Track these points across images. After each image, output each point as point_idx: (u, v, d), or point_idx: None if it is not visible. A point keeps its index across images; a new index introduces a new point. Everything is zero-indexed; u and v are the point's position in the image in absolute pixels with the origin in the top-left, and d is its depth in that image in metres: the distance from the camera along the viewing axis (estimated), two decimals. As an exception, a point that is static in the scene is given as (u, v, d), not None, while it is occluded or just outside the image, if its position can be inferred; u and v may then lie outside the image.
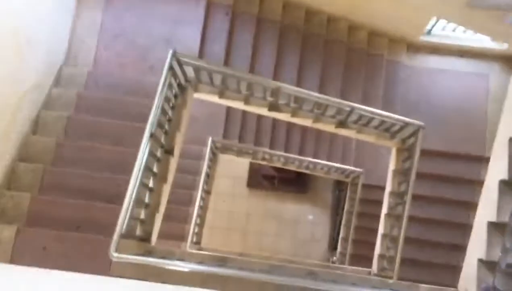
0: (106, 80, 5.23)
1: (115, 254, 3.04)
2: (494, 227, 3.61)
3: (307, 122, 5.07)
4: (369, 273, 5.73)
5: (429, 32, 6.78)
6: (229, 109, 7.11)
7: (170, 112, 4.09)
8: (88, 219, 3.89)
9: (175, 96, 4.20)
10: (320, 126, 5.18)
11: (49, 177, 4.21)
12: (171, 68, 3.81)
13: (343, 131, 5.17)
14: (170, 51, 3.77)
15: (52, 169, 4.30)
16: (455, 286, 4.08)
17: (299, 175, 9.08)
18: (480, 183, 4.14)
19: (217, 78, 4.36)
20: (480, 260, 3.67)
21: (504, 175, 3.53)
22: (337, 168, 7.42)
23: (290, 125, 7.20)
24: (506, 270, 3.43)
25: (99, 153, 4.43)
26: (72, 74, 5.24)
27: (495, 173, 3.75)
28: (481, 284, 3.57)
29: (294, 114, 4.88)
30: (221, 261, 3.95)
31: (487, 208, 3.76)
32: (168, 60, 3.76)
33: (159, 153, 3.92)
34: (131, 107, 4.88)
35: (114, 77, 5.33)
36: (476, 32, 6.09)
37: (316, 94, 4.64)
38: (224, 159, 7.91)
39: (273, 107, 4.78)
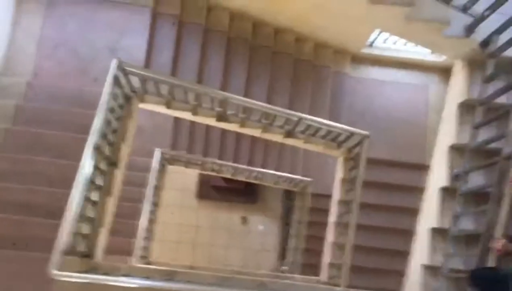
0: (47, 91, 5.02)
1: (56, 272, 2.89)
2: (437, 233, 3.74)
3: (256, 132, 5.08)
4: (318, 281, 5.77)
5: (371, 44, 6.98)
6: (177, 120, 7.00)
7: (115, 123, 3.97)
8: (25, 235, 3.70)
9: (120, 106, 4.08)
10: (268, 136, 5.21)
11: (-17, 192, 3.98)
12: (115, 78, 3.71)
13: (291, 141, 5.22)
14: (114, 61, 3.67)
15: (-15, 185, 4.07)
16: (401, 292, 4.19)
17: (248, 185, 9.07)
18: (422, 190, 4.29)
19: (164, 89, 4.29)
20: (423, 266, 3.78)
21: (445, 182, 3.67)
22: (286, 178, 7.47)
23: (239, 136, 7.19)
24: (448, 275, 3.55)
25: (38, 166, 4.23)
26: (10, 85, 5.00)
27: (435, 181, 3.89)
28: (426, 289, 3.67)
29: (242, 124, 4.88)
30: (169, 275, 3.86)
31: (429, 215, 3.89)
32: (112, 70, 3.66)
33: (103, 165, 3.79)
34: (73, 118, 4.70)
35: (56, 88, 5.11)
36: (416, 45, 6.35)
37: (264, 104, 4.66)
38: (173, 170, 7.78)
39: (221, 117, 4.75)
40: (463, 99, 3.63)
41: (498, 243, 2.95)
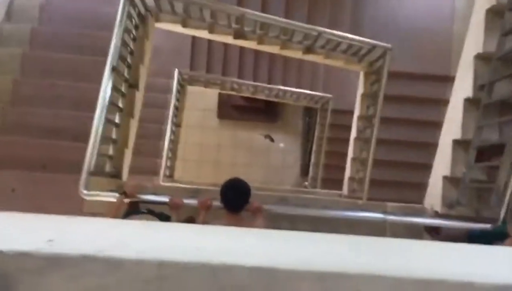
0: (60, 13, 4.93)
1: (85, 192, 3.01)
2: (459, 145, 3.72)
3: (274, 49, 4.97)
4: (340, 195, 5.90)
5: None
6: (194, 40, 6.90)
7: (131, 44, 3.93)
8: (54, 158, 3.81)
9: (136, 27, 4.01)
10: (287, 53, 5.10)
11: (10, 117, 4.06)
12: (128, -3, 3.61)
13: (310, 57, 5.11)
14: (126, -22, 3.55)
15: (11, 109, 4.14)
16: (421, 203, 4.26)
17: (268, 103, 9.06)
18: (446, 102, 4.21)
19: (178, 6, 4.17)
20: (445, 177, 3.80)
21: (469, 93, 3.59)
22: (306, 95, 7.42)
23: (257, 54, 7.07)
24: (469, 185, 3.58)
25: (60, 90, 4.26)
26: (24, 8, 4.91)
27: (460, 92, 3.80)
28: (447, 200, 3.72)
29: (260, 41, 4.77)
30: (194, 193, 3.98)
31: (452, 127, 3.85)
32: (125, -12, 3.55)
33: (123, 87, 3.80)
34: (90, 40, 4.65)
35: (69, 9, 5.02)
36: None
37: (282, 19, 4.52)
38: (193, 90, 7.79)
39: (238, 35, 4.65)
40: (492, 4, 3.43)
41: None
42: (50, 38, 4.64)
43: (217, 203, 3.10)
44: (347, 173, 5.78)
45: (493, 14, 3.48)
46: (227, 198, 2.70)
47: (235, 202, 2.70)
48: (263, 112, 9.60)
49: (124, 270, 0.87)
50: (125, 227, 1.20)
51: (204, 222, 2.95)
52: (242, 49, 6.92)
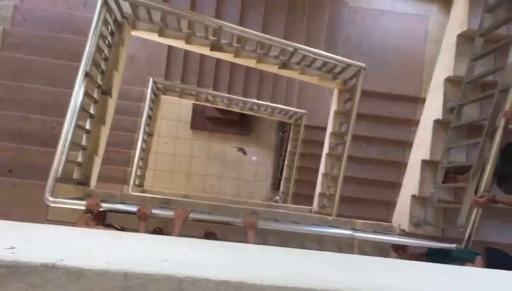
0: (35, 15, 4.83)
1: (51, 198, 2.94)
2: (427, 165, 3.80)
3: (251, 63, 5.00)
4: (310, 210, 5.93)
5: (372, -28, 6.71)
6: (170, 49, 6.87)
7: (106, 50, 3.88)
8: (21, 162, 3.70)
9: (112, 33, 3.97)
10: (263, 67, 5.13)
11: (-24, 119, 3.94)
12: (105, 2, 3.57)
13: (286, 73, 5.16)
14: (103, -16, 3.51)
15: (-21, 111, 4.02)
16: (389, 221, 4.31)
17: (243, 116, 9.08)
18: (416, 123, 4.30)
19: (156, 15, 4.15)
20: (413, 196, 3.86)
21: (439, 115, 3.67)
22: (281, 109, 7.46)
23: (233, 66, 7.09)
24: (436, 205, 3.65)
25: (30, 94, 4.16)
26: (-4, 8, 4.81)
27: (430, 113, 3.89)
28: (414, 218, 3.78)
29: (237, 54, 4.79)
30: (164, 203, 3.93)
31: (421, 147, 3.92)
32: (101, -7, 3.52)
33: (95, 94, 3.74)
34: (64, 44, 4.57)
35: (44, 11, 4.92)
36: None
37: (259, 33, 4.55)
38: (167, 100, 7.74)
39: (215, 47, 4.65)
40: (463, 30, 3.54)
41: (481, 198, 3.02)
42: (23, 40, 4.54)
43: (193, 215, 3.08)
44: (318, 188, 5.82)
45: (464, 39, 3.59)
46: None
47: None
48: (237, 125, 9.61)
49: (87, 280, 0.84)
50: (91, 235, 1.17)
51: (179, 234, 2.91)
52: (218, 61, 6.92)
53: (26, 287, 0.83)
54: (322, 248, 3.68)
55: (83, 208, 2.93)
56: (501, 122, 3.00)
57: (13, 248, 0.88)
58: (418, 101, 5.86)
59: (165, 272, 0.89)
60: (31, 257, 0.85)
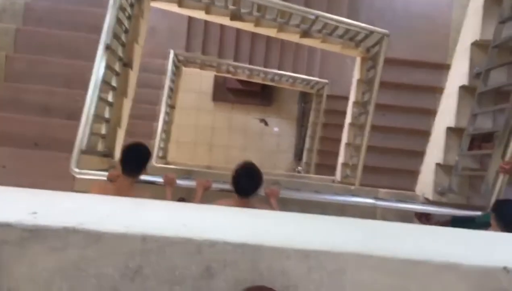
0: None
1: (77, 170, 2.99)
2: (452, 132, 3.72)
3: (271, 32, 4.93)
4: (333, 181, 5.91)
5: None
6: (191, 20, 6.83)
7: (126, 22, 3.87)
8: (46, 136, 3.77)
9: (131, 5, 3.95)
10: (284, 36, 5.06)
11: (2, 93, 4.00)
12: (124, -27, 3.55)
13: (308, 41, 5.07)
14: (121, -45, 3.48)
15: (4, 85, 4.08)
16: (413, 190, 4.27)
17: (264, 87, 9.03)
18: (441, 90, 4.20)
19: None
20: (437, 164, 3.81)
21: (465, 81, 3.57)
22: (302, 79, 7.39)
23: (254, 37, 7.02)
24: (461, 173, 3.59)
25: (53, 67, 4.20)
26: (18, -17, 4.83)
27: (455, 80, 3.79)
28: (438, 187, 3.74)
29: (257, 23, 4.73)
30: (187, 174, 3.98)
31: (446, 114, 3.84)
32: (120, -36, 3.49)
33: (117, 66, 3.76)
34: (84, 17, 4.58)
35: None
36: None
37: (279, 1, 4.47)
38: (188, 72, 7.73)
39: (235, 16, 4.60)
40: (491, -9, 3.41)
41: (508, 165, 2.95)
42: (44, 14, 4.57)
43: (216, 185, 3.11)
44: (341, 158, 5.78)
45: (491, 1, 3.45)
46: (239, 182, 2.66)
47: (247, 186, 2.67)
48: (259, 96, 9.58)
49: (106, 243, 0.86)
50: (111, 202, 1.19)
51: (201, 202, 2.94)
52: (238, 31, 6.86)
53: (47, 250, 0.85)
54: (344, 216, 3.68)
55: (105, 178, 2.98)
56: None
57: (35, 213, 0.90)
58: (444, 68, 5.70)
59: (184, 235, 0.90)
60: (52, 221, 0.87)
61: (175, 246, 0.88)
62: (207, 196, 3.03)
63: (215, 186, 3.13)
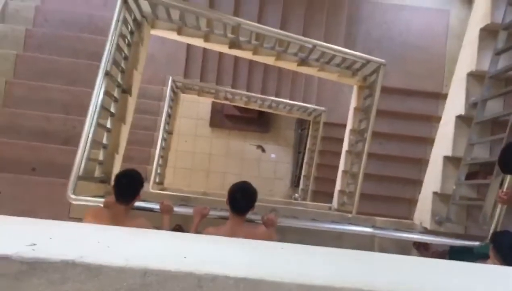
0: (56, 16, 4.90)
1: (73, 196, 2.98)
2: (450, 161, 3.74)
3: (269, 60, 4.99)
4: (330, 208, 5.89)
5: (392, -33, 6.62)
6: (189, 48, 6.90)
7: (126, 49, 3.91)
8: (43, 161, 3.76)
9: (131, 32, 4.00)
10: (282, 64, 5.12)
11: (0, 118, 4.01)
12: (125, 2, 3.60)
13: (305, 70, 5.13)
14: (123, -16, 3.54)
15: (2, 110, 4.09)
16: (411, 219, 4.26)
17: (261, 114, 9.08)
18: (438, 119, 4.23)
19: (175, 14, 4.16)
20: (435, 193, 3.81)
21: (461, 111, 3.61)
22: (300, 107, 7.43)
23: (252, 64, 7.08)
24: (459, 202, 3.59)
25: (52, 93, 4.22)
26: (18, 9, 4.88)
27: (452, 109, 3.83)
28: (436, 215, 3.73)
29: (255, 52, 4.78)
30: (184, 201, 3.95)
31: (443, 143, 3.86)
32: (120, -7, 3.54)
33: (116, 92, 3.78)
34: (84, 44, 4.63)
35: (65, 12, 4.99)
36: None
37: (278, 30, 4.53)
38: (186, 99, 7.78)
39: (234, 44, 4.66)
40: (486, 23, 3.47)
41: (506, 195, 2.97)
42: (44, 41, 4.61)
43: (213, 212, 3.10)
44: (338, 185, 5.78)
45: (486, 33, 3.52)
46: (235, 199, 2.68)
47: (242, 203, 2.68)
48: (256, 122, 9.62)
49: (106, 277, 0.84)
50: (111, 232, 1.18)
51: (197, 230, 2.92)
52: (237, 59, 6.93)
53: (46, 284, 0.84)
54: (342, 246, 3.65)
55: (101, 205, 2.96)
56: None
57: (34, 244, 0.89)
58: (440, 97, 5.77)
59: (184, 269, 0.88)
60: (51, 254, 0.86)
61: (176, 279, 0.87)
62: (204, 223, 3.01)
63: (212, 213, 3.11)
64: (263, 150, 9.87)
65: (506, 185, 3.00)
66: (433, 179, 3.93)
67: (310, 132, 8.20)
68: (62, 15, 4.94)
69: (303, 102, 7.40)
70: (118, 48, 3.61)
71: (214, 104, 9.45)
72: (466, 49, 3.80)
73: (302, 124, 9.56)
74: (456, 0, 6.26)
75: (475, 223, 3.41)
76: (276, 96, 7.28)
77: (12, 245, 0.88)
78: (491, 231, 3.03)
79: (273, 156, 9.95)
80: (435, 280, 1.08)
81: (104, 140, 3.64)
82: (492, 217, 3.07)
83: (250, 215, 3.23)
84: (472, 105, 3.56)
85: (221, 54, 6.78)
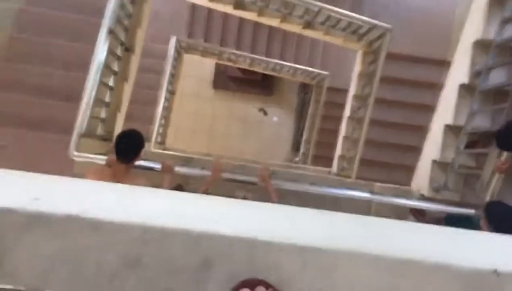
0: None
1: (76, 153, 3.01)
2: (450, 130, 3.75)
3: (274, 22, 4.92)
4: (329, 172, 5.94)
5: None
6: (193, 7, 6.81)
7: (129, 6, 3.86)
8: (47, 118, 3.79)
9: (135, -11, 3.94)
10: (287, 26, 5.05)
11: (3, 73, 4.01)
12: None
13: (310, 33, 5.06)
14: None
15: (5, 65, 4.08)
16: (409, 185, 4.30)
17: (265, 77, 9.02)
18: (441, 87, 4.21)
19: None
20: (434, 161, 3.84)
21: (465, 79, 3.59)
22: (303, 70, 7.38)
23: (257, 26, 7.00)
24: (458, 171, 3.62)
25: (55, 49, 4.20)
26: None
27: (455, 77, 3.80)
28: (434, 183, 3.77)
29: (260, 13, 4.72)
30: (186, 161, 4.00)
31: (445, 112, 3.86)
32: None
33: (119, 51, 3.76)
34: (86, 1, 4.57)
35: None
36: None
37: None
38: (189, 59, 7.72)
39: (239, 5, 4.59)
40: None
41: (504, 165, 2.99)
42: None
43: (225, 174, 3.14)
44: (338, 151, 5.81)
45: (494, 0, 3.45)
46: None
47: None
48: (259, 85, 9.57)
49: (107, 232, 0.88)
50: (113, 190, 1.21)
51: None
52: (241, 20, 6.84)
53: (49, 236, 0.87)
54: (339, 210, 3.70)
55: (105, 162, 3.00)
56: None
57: (37, 199, 0.92)
58: (445, 64, 5.71)
59: (182, 227, 0.92)
60: (54, 208, 0.89)
61: (174, 237, 0.91)
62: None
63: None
64: (265, 113, 9.87)
65: (504, 155, 3.02)
66: (433, 146, 3.95)
67: (313, 97, 8.17)
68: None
69: (307, 66, 7.35)
70: (122, 5, 3.56)
71: (217, 66, 9.38)
72: (472, 17, 3.74)
73: (305, 89, 9.51)
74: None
75: (472, 191, 3.45)
76: (281, 59, 7.23)
77: (17, 199, 0.91)
78: (487, 199, 3.07)
79: (275, 119, 9.96)
80: (428, 246, 1.11)
81: (107, 99, 3.64)
82: (488, 185, 3.10)
83: (249, 177, 3.27)
84: (476, 74, 3.54)
85: (225, 14, 6.68)
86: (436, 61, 5.88)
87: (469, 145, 3.62)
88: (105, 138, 3.73)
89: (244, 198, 3.74)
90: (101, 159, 3.10)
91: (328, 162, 6.29)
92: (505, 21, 3.32)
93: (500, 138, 2.78)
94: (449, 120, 3.71)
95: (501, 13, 3.35)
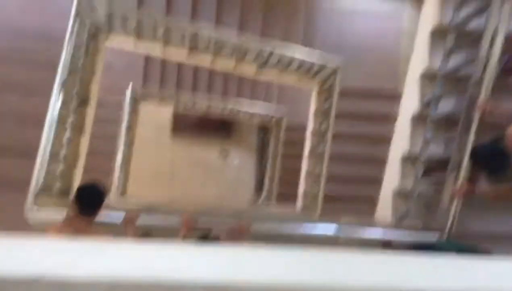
0: (10, 26, 4.74)
1: (33, 211, 2.90)
2: (407, 159, 3.85)
3: (229, 66, 5.01)
4: (294, 210, 5.94)
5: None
6: (148, 56, 6.83)
7: (82, 59, 3.84)
8: (1, 177, 3.65)
9: (87, 42, 3.93)
10: (241, 70, 5.14)
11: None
12: (77, 14, 3.54)
13: (264, 75, 5.17)
14: (77, -6, 3.49)
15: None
16: (373, 216, 4.35)
17: (223, 120, 9.07)
18: (395, 119, 4.35)
19: (132, 23, 4.13)
20: (395, 191, 3.91)
21: (416, 110, 3.73)
22: (260, 113, 7.47)
23: (212, 70, 7.08)
24: (418, 198, 3.70)
25: (7, 105, 4.09)
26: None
27: (407, 108, 3.94)
28: (396, 212, 3.82)
29: (215, 58, 4.79)
30: (147, 210, 3.90)
31: (400, 142, 3.97)
32: (75, 3, 3.49)
33: (73, 104, 3.71)
34: (40, 55, 4.51)
35: (19, 22, 4.83)
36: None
37: (235, 37, 4.56)
38: (146, 107, 7.70)
39: (192, 52, 4.65)
40: (435, 24, 3.60)
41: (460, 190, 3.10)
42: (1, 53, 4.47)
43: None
44: (302, 187, 5.84)
45: (436, 34, 3.65)
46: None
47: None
48: (218, 128, 9.60)
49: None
50: (76, 246, 1.16)
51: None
52: (196, 65, 6.91)
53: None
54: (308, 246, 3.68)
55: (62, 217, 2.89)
56: (476, 115, 3.07)
57: (-4, 263, 0.87)
58: (396, 97, 5.92)
59: (152, 278, 0.89)
60: (13, 272, 0.84)
61: (144, 290, 0.88)
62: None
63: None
64: (227, 154, 9.87)
65: (461, 179, 3.12)
66: (392, 177, 4.03)
67: (272, 136, 8.26)
68: (16, 25, 4.78)
69: (264, 105, 7.45)
70: (75, 58, 3.54)
71: (175, 112, 9.38)
72: (418, 50, 3.93)
73: (264, 129, 9.61)
74: (408, 3, 6.47)
75: (434, 216, 3.52)
76: (237, 100, 7.30)
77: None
78: (448, 225, 3.14)
79: (236, 161, 9.96)
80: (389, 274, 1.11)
81: (63, 153, 3.55)
82: (449, 210, 3.18)
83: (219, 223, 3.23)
84: (426, 104, 3.69)
85: (180, 63, 6.75)
86: (387, 94, 6.09)
87: (426, 172, 3.72)
88: (64, 193, 3.62)
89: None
90: (60, 215, 2.99)
91: (292, 199, 6.30)
92: (448, 53, 3.50)
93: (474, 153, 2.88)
94: (405, 150, 3.82)
95: (443, 45, 3.54)
